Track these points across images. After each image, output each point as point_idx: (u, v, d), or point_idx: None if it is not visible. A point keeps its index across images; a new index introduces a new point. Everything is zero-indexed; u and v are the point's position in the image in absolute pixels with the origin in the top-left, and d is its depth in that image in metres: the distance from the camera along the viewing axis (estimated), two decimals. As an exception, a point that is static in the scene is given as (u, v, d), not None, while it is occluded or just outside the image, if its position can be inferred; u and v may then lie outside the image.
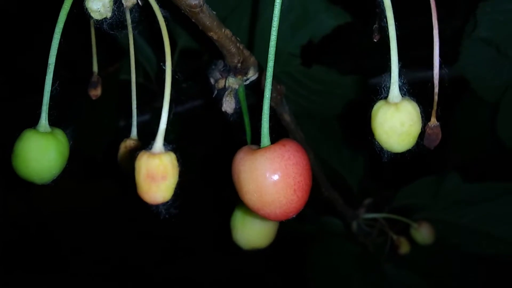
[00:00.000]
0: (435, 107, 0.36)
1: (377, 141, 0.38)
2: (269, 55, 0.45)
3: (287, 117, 0.72)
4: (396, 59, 0.36)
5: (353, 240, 0.96)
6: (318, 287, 0.98)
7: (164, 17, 0.40)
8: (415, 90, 0.39)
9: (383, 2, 0.37)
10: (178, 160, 0.36)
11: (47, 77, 0.46)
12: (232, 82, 0.58)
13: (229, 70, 0.59)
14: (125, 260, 1.90)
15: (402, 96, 0.37)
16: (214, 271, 1.80)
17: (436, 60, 0.34)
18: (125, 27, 0.45)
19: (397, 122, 0.36)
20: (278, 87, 0.68)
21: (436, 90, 0.35)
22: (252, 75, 0.60)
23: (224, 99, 0.58)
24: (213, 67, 0.61)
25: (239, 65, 0.58)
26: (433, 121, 0.36)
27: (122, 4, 0.42)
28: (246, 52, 0.58)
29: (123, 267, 1.90)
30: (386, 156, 0.39)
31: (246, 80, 0.60)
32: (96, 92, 0.62)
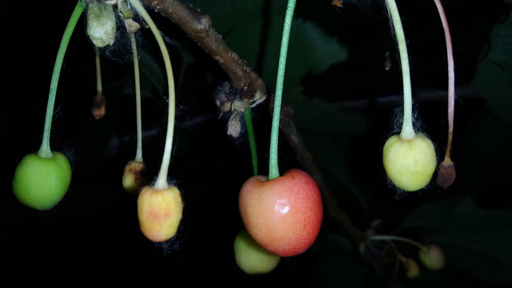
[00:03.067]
0: (449, 147, 0.34)
1: (389, 178, 0.37)
2: (277, 84, 0.43)
3: (294, 138, 0.71)
4: (409, 95, 0.34)
5: (361, 260, 0.93)
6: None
7: (167, 42, 0.39)
8: (428, 110, 0.37)
9: (395, 34, 0.36)
10: (181, 196, 0.35)
11: (48, 103, 0.45)
12: (238, 105, 0.57)
13: (235, 93, 0.57)
14: (123, 265, 1.89)
15: (416, 132, 0.35)
16: (214, 280, 1.78)
17: (451, 99, 0.32)
18: (128, 51, 0.43)
19: (410, 161, 0.34)
20: (285, 108, 0.67)
21: (451, 129, 0.33)
22: (259, 98, 0.58)
23: (229, 123, 0.56)
24: (219, 88, 0.60)
25: (246, 88, 0.57)
26: (447, 160, 0.35)
27: (125, 30, 0.40)
28: (253, 75, 0.57)
29: (121, 272, 1.89)
30: (398, 194, 0.37)
31: (252, 103, 0.58)
32: (100, 112, 0.61)
